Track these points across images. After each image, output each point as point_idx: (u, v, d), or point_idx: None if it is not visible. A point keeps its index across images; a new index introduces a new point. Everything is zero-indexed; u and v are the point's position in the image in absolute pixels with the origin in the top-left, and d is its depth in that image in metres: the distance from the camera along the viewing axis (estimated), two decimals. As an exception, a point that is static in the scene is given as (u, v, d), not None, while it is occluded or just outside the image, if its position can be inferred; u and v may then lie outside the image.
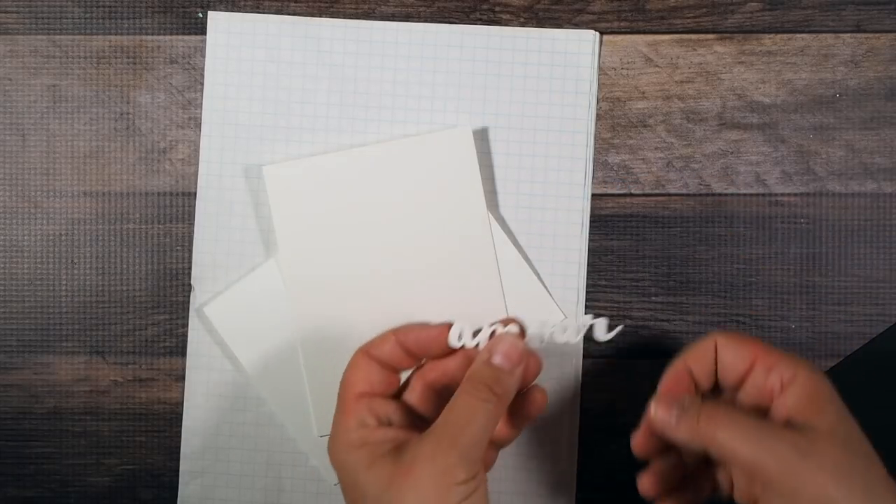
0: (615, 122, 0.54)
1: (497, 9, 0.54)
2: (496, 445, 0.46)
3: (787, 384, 0.41)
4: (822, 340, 0.53)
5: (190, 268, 0.53)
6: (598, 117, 0.54)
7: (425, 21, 0.54)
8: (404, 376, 0.47)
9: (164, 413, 0.54)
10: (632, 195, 0.54)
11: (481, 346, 0.44)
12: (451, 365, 0.46)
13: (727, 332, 0.44)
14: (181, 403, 0.53)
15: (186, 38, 0.54)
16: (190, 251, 0.54)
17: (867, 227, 0.54)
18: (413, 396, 0.46)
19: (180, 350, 0.53)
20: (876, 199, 0.54)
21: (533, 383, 0.46)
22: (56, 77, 0.54)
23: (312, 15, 0.54)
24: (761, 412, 0.42)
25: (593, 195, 0.54)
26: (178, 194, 0.54)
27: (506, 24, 0.54)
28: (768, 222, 0.54)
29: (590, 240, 0.53)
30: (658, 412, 0.42)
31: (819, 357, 0.53)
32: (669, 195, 0.54)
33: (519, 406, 0.45)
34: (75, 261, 0.54)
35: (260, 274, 0.52)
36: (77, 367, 0.54)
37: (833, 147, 0.54)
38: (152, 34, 0.54)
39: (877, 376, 0.53)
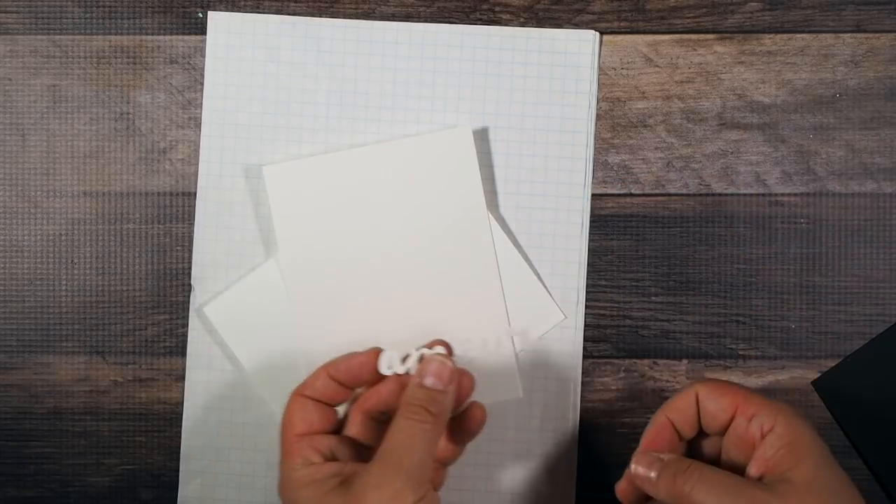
0: (615, 122, 0.54)
1: (497, 9, 0.54)
2: (442, 464, 0.47)
3: (767, 433, 0.41)
4: (822, 340, 0.53)
5: (190, 268, 0.53)
6: (598, 117, 0.54)
7: (425, 21, 0.54)
8: (343, 410, 0.48)
9: (164, 413, 0.54)
10: (632, 195, 0.54)
11: (412, 371, 0.45)
12: (385, 392, 0.46)
13: (708, 382, 0.44)
14: (181, 403, 0.53)
15: (186, 38, 0.54)
16: (190, 251, 0.54)
17: (867, 227, 0.54)
18: (354, 429, 0.47)
19: (180, 350, 0.53)
20: (876, 199, 0.54)
21: (471, 400, 0.47)
22: (56, 77, 0.54)
23: (312, 15, 0.54)
24: (745, 461, 0.42)
25: (593, 195, 0.54)
26: (178, 194, 0.54)
27: (506, 24, 0.54)
28: (768, 222, 0.54)
29: (590, 240, 0.53)
30: (638, 469, 0.43)
31: (819, 357, 0.53)
32: (669, 195, 0.54)
33: (459, 423, 0.46)
34: (75, 261, 0.54)
35: (260, 274, 0.52)
36: (77, 367, 0.54)
37: (833, 147, 0.54)
38: (152, 34, 0.54)
39: (877, 376, 0.53)
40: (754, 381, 0.53)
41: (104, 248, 0.54)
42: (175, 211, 0.54)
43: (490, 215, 0.52)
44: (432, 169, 0.52)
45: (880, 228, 0.53)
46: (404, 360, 0.46)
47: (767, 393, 0.53)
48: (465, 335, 0.52)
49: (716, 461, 0.44)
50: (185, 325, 0.53)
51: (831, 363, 0.53)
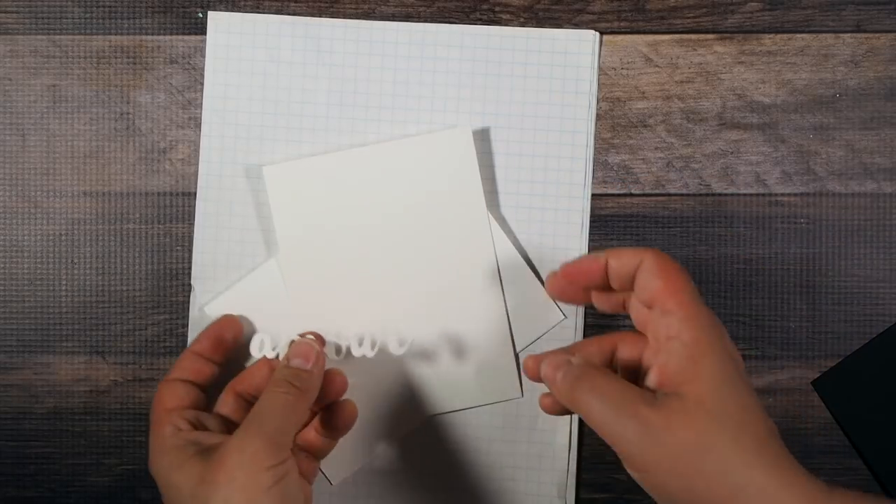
0: (615, 122, 0.54)
1: (497, 9, 0.54)
2: (315, 456, 0.49)
3: (674, 338, 0.39)
4: (822, 340, 0.53)
5: (190, 268, 0.53)
6: (598, 117, 0.54)
7: (425, 21, 0.54)
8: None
9: (164, 413, 0.54)
10: (632, 195, 0.54)
11: (281, 356, 0.48)
12: (257, 376, 0.50)
13: (652, 254, 0.41)
14: (181, 403, 0.53)
15: (186, 38, 0.54)
16: (190, 251, 0.54)
17: (867, 227, 0.54)
18: (225, 408, 0.49)
19: (180, 350, 0.53)
20: (876, 199, 0.54)
21: (346, 398, 0.48)
22: (56, 77, 0.54)
23: (312, 15, 0.54)
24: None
25: (593, 195, 0.54)
26: (178, 194, 0.54)
27: (506, 24, 0.54)
28: (768, 222, 0.54)
29: (590, 240, 0.53)
30: (546, 369, 0.42)
31: (819, 357, 0.53)
32: (669, 195, 0.54)
33: (331, 418, 0.48)
34: (75, 261, 0.54)
35: (261, 274, 0.52)
36: (77, 367, 0.54)
37: (833, 147, 0.54)
38: (152, 34, 0.54)
39: (877, 376, 0.53)
40: (754, 381, 0.53)
41: (104, 248, 0.54)
42: (175, 211, 0.54)
43: (490, 216, 0.52)
44: (432, 169, 0.52)
45: (880, 228, 0.53)
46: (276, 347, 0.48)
47: (767, 393, 0.53)
48: (465, 335, 0.52)
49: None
50: (185, 325, 0.53)
51: (831, 363, 0.53)
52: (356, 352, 0.50)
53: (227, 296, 0.52)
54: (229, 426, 0.48)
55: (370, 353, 0.49)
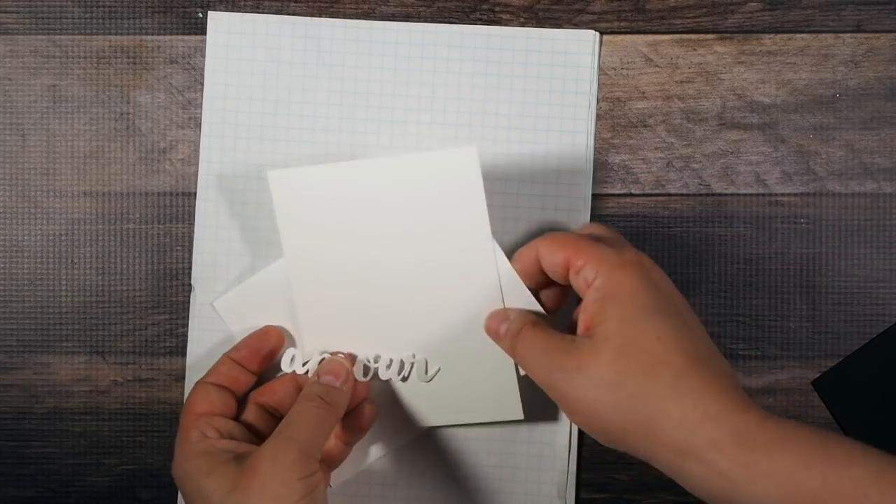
0: (615, 122, 0.54)
1: (497, 9, 0.54)
2: (328, 465, 0.49)
3: (590, 285, 0.42)
4: (822, 340, 0.53)
5: (190, 268, 0.53)
6: (598, 117, 0.54)
7: (425, 21, 0.54)
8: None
9: (164, 413, 0.54)
10: (632, 195, 0.54)
11: (311, 373, 0.49)
12: (280, 390, 0.50)
13: (548, 236, 0.45)
14: (181, 403, 0.53)
15: (186, 38, 0.54)
16: (190, 251, 0.54)
17: (867, 227, 0.54)
18: (249, 415, 0.49)
19: (180, 350, 0.53)
20: (876, 199, 0.54)
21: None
22: (56, 77, 0.54)
23: (312, 15, 0.54)
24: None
25: (593, 195, 0.54)
26: (178, 194, 0.54)
27: (506, 24, 0.54)
28: (768, 222, 0.54)
29: (590, 240, 0.53)
30: (490, 322, 0.48)
31: (819, 357, 0.53)
32: (669, 195, 0.54)
33: (352, 420, 0.49)
34: (75, 261, 0.54)
35: (272, 270, 0.52)
36: (77, 367, 0.54)
37: (833, 147, 0.54)
38: (152, 34, 0.54)
39: (877, 376, 0.53)
40: (754, 381, 0.53)
41: (104, 248, 0.54)
42: (175, 211, 0.54)
43: (495, 241, 0.50)
44: (437, 187, 0.50)
45: (880, 228, 0.54)
46: (307, 363, 0.49)
47: (767, 393, 0.53)
48: (466, 353, 0.51)
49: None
50: (185, 325, 0.53)
51: (831, 363, 0.53)
52: (383, 374, 0.50)
53: (238, 291, 0.52)
54: (253, 436, 0.48)
55: (396, 378, 0.50)
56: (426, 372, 0.51)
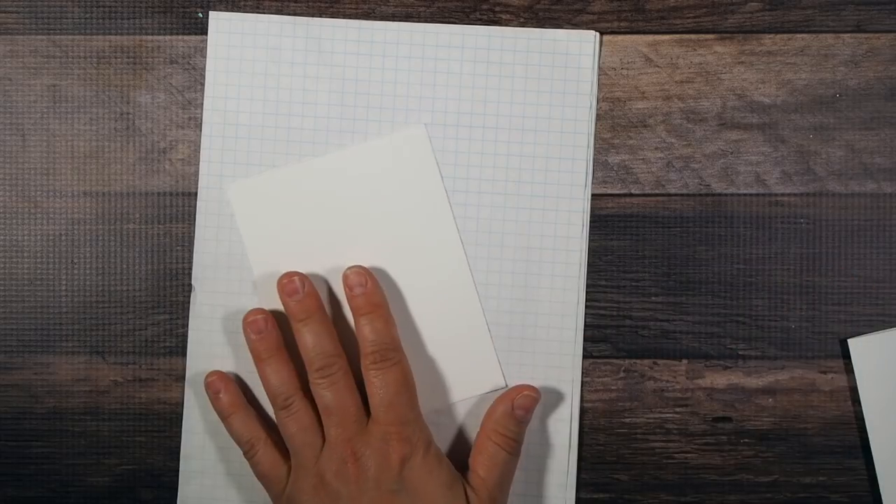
0: (615, 122, 0.54)
1: (497, 9, 0.54)
2: None
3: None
4: (822, 340, 0.53)
5: (190, 268, 0.53)
6: (598, 117, 0.54)
7: (425, 21, 0.54)
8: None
9: (164, 413, 0.54)
10: (632, 195, 0.54)
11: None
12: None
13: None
14: (181, 403, 0.53)
15: (186, 38, 0.54)
16: (190, 251, 0.54)
17: (867, 227, 0.54)
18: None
19: (180, 350, 0.53)
20: (876, 199, 0.54)
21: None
22: (56, 77, 0.54)
23: (312, 15, 0.54)
24: None
25: (593, 195, 0.54)
26: (178, 194, 0.54)
27: (506, 24, 0.54)
28: (768, 222, 0.54)
29: (590, 240, 0.53)
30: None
31: (819, 357, 0.53)
32: (669, 195, 0.54)
33: None
34: (75, 261, 0.54)
35: (294, 171, 0.53)
36: (77, 367, 0.54)
37: (833, 147, 0.54)
38: (152, 34, 0.54)
39: None
40: (754, 381, 0.53)
41: (104, 248, 0.54)
42: (175, 211, 0.54)
43: (453, 213, 0.53)
44: (392, 171, 0.52)
45: (880, 228, 0.54)
46: None
47: (767, 393, 0.53)
48: (443, 334, 0.52)
49: None
50: (185, 325, 0.53)
51: (831, 363, 0.53)
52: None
53: (253, 181, 0.53)
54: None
55: None
56: None
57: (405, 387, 0.49)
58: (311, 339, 0.50)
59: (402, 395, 0.49)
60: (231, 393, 0.52)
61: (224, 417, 0.52)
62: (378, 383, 0.49)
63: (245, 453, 0.51)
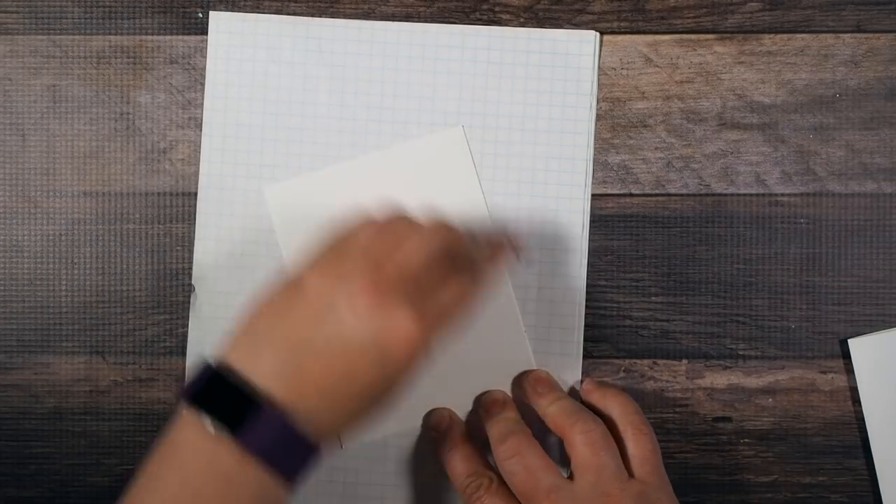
0: (615, 122, 0.54)
1: (497, 9, 0.54)
2: None
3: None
4: (822, 340, 0.53)
5: (190, 268, 0.53)
6: (598, 117, 0.54)
7: (425, 21, 0.54)
8: None
9: (164, 413, 0.54)
10: (632, 195, 0.54)
11: None
12: None
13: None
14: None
15: (186, 38, 0.54)
16: (190, 251, 0.54)
17: (867, 227, 0.54)
18: None
19: (180, 350, 0.53)
20: (876, 199, 0.54)
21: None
22: (56, 77, 0.54)
23: (312, 15, 0.54)
24: None
25: (593, 195, 0.54)
26: (178, 194, 0.54)
27: (506, 24, 0.54)
28: (768, 222, 0.54)
29: (590, 240, 0.53)
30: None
31: (819, 357, 0.53)
32: (669, 195, 0.54)
33: None
34: (75, 261, 0.54)
35: (332, 172, 0.52)
36: (77, 367, 0.54)
37: (833, 147, 0.54)
38: (152, 34, 0.54)
39: None
40: (754, 381, 0.53)
41: (104, 248, 0.54)
42: (175, 211, 0.54)
43: (490, 214, 0.52)
44: (430, 171, 0.52)
45: (880, 228, 0.54)
46: None
47: (767, 393, 0.53)
48: (478, 326, 0.52)
49: None
50: (185, 325, 0.53)
51: (831, 363, 0.53)
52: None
53: (290, 184, 0.52)
54: None
55: None
56: None
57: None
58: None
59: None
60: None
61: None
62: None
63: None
